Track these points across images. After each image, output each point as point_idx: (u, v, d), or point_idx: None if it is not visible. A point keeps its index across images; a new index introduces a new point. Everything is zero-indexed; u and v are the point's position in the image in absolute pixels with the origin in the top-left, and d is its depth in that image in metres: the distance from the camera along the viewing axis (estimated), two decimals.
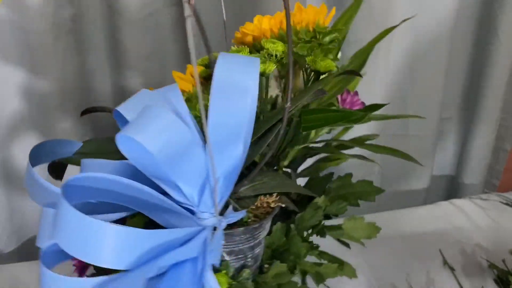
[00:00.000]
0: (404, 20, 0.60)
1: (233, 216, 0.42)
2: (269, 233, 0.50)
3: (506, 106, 0.98)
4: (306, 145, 0.56)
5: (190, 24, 0.30)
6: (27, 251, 0.83)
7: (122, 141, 0.34)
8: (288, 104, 0.42)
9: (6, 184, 0.76)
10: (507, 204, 0.88)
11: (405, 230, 0.75)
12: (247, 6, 0.77)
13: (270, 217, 0.47)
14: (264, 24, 0.54)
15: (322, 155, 0.62)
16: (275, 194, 0.48)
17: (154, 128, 0.34)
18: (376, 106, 0.55)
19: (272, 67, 0.47)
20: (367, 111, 0.54)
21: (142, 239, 0.34)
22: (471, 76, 0.98)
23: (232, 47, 0.52)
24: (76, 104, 0.75)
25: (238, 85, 0.37)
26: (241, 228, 0.45)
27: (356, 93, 0.58)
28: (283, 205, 0.48)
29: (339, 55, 0.59)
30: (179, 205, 0.39)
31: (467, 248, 0.74)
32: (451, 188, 1.09)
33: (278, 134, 0.43)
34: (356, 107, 0.58)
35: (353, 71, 0.51)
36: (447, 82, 0.94)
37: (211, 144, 0.37)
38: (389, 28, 0.59)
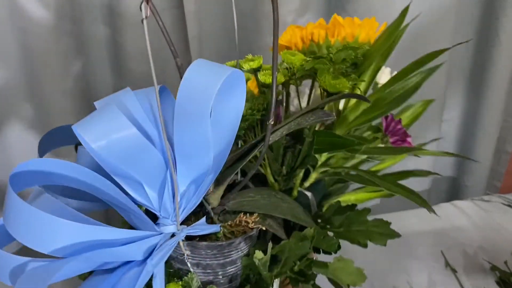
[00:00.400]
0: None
1: (198, 229, 0.41)
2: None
3: (508, 108, 0.97)
4: (326, 169, 0.53)
5: (146, 25, 0.31)
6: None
7: (76, 134, 0.35)
8: (270, 120, 0.39)
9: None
10: (509, 205, 0.88)
11: (406, 231, 0.75)
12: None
13: (243, 238, 0.43)
14: (294, 34, 0.52)
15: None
16: (256, 214, 0.44)
17: (101, 126, 0.35)
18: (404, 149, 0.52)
19: (281, 80, 0.46)
20: (401, 151, 0.49)
21: (82, 233, 0.35)
22: (472, 78, 0.96)
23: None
24: (77, 105, 0.76)
25: (203, 94, 0.35)
26: (204, 243, 0.42)
27: (399, 121, 0.54)
28: (263, 228, 0.44)
29: (382, 75, 0.55)
30: (142, 207, 0.40)
31: (469, 249, 0.74)
32: (453, 189, 1.08)
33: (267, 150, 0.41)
34: (396, 137, 0.54)
35: (360, 96, 0.46)
36: (449, 84, 0.92)
37: (170, 150, 0.37)
38: (432, 53, 0.51)
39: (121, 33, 0.73)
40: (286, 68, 0.48)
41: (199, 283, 0.43)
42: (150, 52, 0.33)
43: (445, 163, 1.05)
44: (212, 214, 0.45)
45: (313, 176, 0.54)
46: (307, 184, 0.54)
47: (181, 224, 0.43)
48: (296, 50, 0.53)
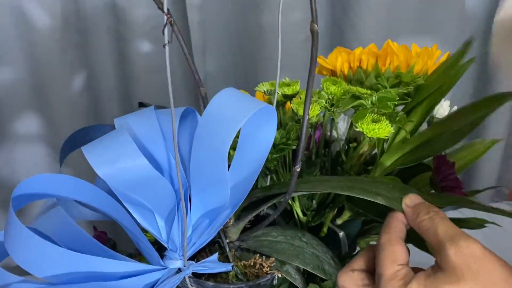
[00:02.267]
0: None
1: (207, 266, 0.38)
2: None
3: None
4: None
5: (168, 51, 0.27)
6: None
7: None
8: (297, 167, 0.35)
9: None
10: None
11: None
12: None
13: (254, 283, 0.40)
14: (339, 59, 0.48)
15: None
16: (273, 258, 0.41)
17: (108, 152, 0.33)
18: None
19: (316, 111, 0.41)
20: (448, 201, 0.42)
21: (78, 262, 0.33)
22: (479, 83, 0.91)
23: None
24: (83, 115, 0.76)
25: (226, 127, 0.32)
26: (211, 283, 0.39)
27: (453, 165, 0.47)
28: (279, 275, 0.41)
29: (439, 109, 0.50)
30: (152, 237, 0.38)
31: None
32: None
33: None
34: (447, 182, 0.47)
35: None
36: (455, 89, 0.88)
37: (182, 181, 0.35)
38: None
39: (127, 43, 0.73)
40: (329, 98, 0.44)
41: None
42: (170, 78, 0.31)
43: None
44: (227, 249, 0.42)
45: (347, 214, 0.49)
46: (339, 221, 0.49)
47: (192, 257, 0.40)
48: (341, 77, 0.48)
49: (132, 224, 0.36)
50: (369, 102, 0.40)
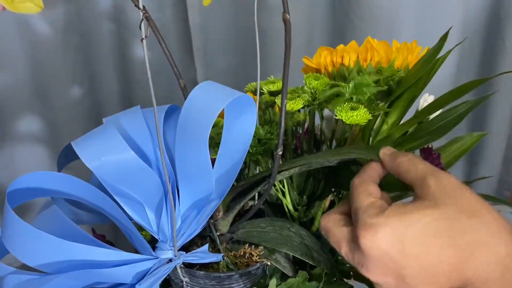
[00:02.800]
0: None
1: (198, 256, 0.39)
2: None
3: None
4: None
5: (145, 45, 0.29)
6: None
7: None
8: (279, 150, 0.36)
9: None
10: None
11: None
12: None
13: (244, 271, 0.41)
14: (323, 56, 0.49)
15: None
16: (261, 247, 0.42)
17: (97, 146, 0.35)
18: None
19: (299, 105, 0.42)
20: None
21: (71, 251, 0.35)
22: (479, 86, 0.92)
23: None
24: (85, 116, 0.77)
25: (204, 116, 0.34)
26: (202, 272, 0.40)
27: (438, 156, 0.49)
28: (268, 263, 0.42)
29: (424, 104, 0.50)
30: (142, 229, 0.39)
31: None
32: None
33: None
34: None
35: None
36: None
37: (169, 172, 0.37)
38: (474, 81, 0.47)
39: (128, 45, 0.74)
40: (311, 92, 0.46)
41: None
42: (150, 72, 0.33)
43: (453, 172, 1.00)
44: (218, 241, 0.43)
45: None
46: None
47: (185, 248, 0.42)
48: (325, 74, 0.50)
49: (123, 217, 0.38)
50: (346, 90, 0.42)
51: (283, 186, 0.49)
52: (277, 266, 0.42)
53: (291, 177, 0.49)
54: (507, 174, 1.00)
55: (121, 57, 0.77)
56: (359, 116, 0.40)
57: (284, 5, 0.33)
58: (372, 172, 0.38)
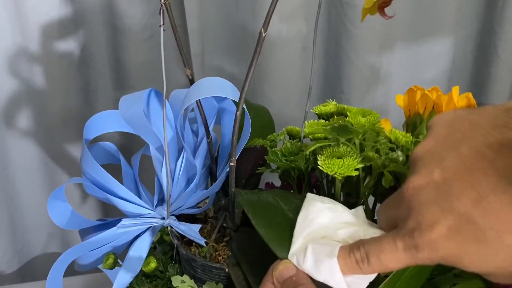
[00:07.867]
0: None
1: (185, 228, 0.44)
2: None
3: None
4: None
5: (162, 33, 0.33)
6: (30, 271, 0.82)
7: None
8: (232, 159, 0.39)
9: (8, 202, 0.76)
10: None
11: None
12: None
13: (206, 262, 0.43)
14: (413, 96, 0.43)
15: None
16: (231, 254, 0.43)
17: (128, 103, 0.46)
18: None
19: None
20: None
21: (104, 177, 0.45)
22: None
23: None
24: (79, 122, 0.74)
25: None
26: (182, 248, 0.45)
27: None
28: (226, 270, 0.42)
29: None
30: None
31: None
32: None
33: None
34: None
35: None
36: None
37: (167, 141, 0.42)
38: None
39: (122, 50, 0.73)
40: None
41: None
42: (164, 59, 0.39)
43: None
44: (217, 226, 0.47)
45: None
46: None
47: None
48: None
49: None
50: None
51: None
52: (231, 276, 0.42)
53: None
54: None
55: (116, 62, 0.76)
56: (343, 167, 0.34)
57: (265, 21, 0.33)
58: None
